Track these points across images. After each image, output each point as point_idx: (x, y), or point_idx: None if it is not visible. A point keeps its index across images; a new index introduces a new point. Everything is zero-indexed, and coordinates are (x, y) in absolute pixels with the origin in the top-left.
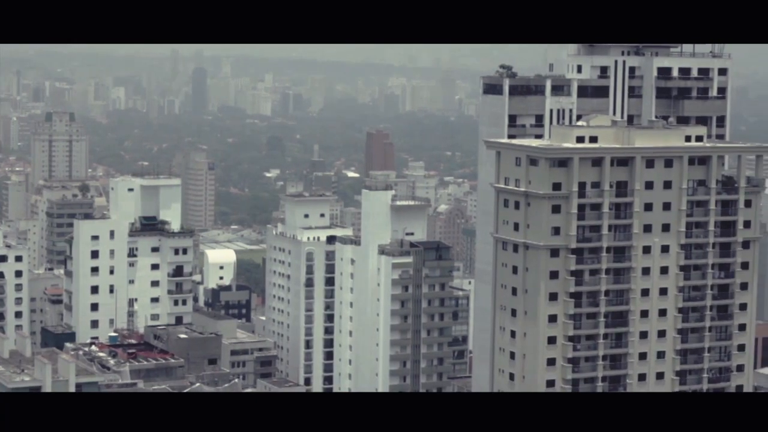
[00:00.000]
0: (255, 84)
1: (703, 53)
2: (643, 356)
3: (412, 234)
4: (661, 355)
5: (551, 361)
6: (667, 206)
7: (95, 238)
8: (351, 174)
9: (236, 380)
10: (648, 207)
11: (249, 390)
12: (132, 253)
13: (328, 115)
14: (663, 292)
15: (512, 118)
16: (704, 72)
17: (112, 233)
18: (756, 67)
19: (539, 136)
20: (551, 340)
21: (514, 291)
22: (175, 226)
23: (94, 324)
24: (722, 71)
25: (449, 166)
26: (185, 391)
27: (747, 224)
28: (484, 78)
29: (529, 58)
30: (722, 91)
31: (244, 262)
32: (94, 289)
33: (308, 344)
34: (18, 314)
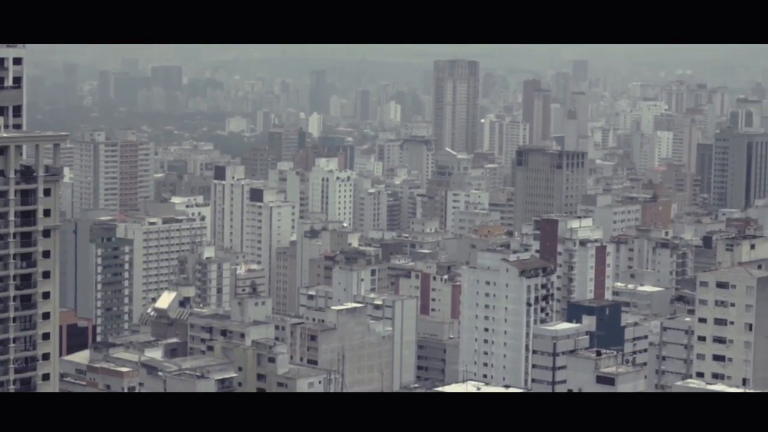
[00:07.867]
0: None
1: None
2: None
3: None
4: None
5: None
6: None
7: None
8: None
9: None
10: None
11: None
12: None
13: None
14: None
15: None
16: None
17: None
18: (51, 57)
19: None
20: None
21: None
22: None
23: None
24: (17, 60)
25: None
26: None
27: (47, 213)
28: None
29: None
30: (18, 80)
31: None
32: None
33: None
34: None
